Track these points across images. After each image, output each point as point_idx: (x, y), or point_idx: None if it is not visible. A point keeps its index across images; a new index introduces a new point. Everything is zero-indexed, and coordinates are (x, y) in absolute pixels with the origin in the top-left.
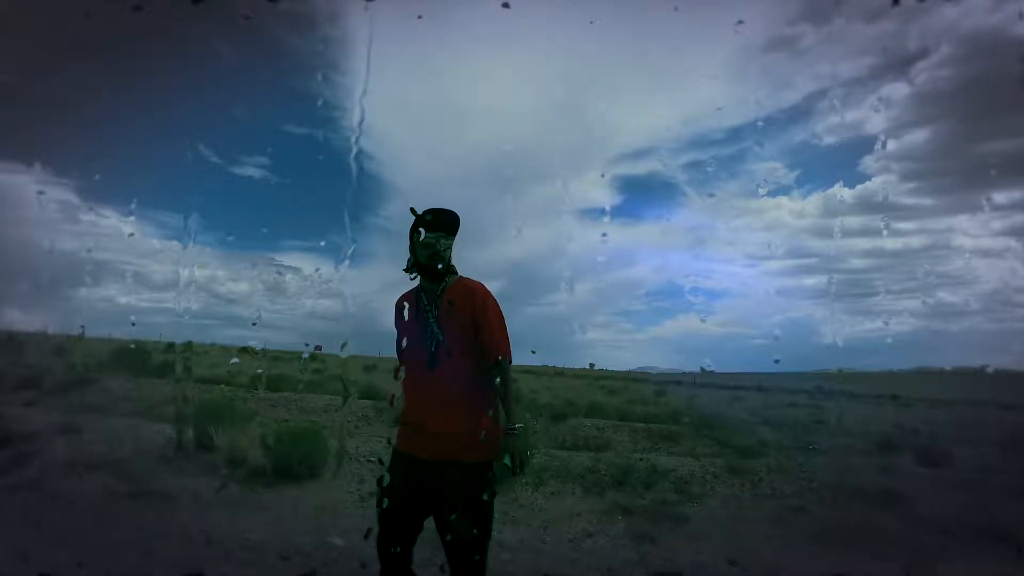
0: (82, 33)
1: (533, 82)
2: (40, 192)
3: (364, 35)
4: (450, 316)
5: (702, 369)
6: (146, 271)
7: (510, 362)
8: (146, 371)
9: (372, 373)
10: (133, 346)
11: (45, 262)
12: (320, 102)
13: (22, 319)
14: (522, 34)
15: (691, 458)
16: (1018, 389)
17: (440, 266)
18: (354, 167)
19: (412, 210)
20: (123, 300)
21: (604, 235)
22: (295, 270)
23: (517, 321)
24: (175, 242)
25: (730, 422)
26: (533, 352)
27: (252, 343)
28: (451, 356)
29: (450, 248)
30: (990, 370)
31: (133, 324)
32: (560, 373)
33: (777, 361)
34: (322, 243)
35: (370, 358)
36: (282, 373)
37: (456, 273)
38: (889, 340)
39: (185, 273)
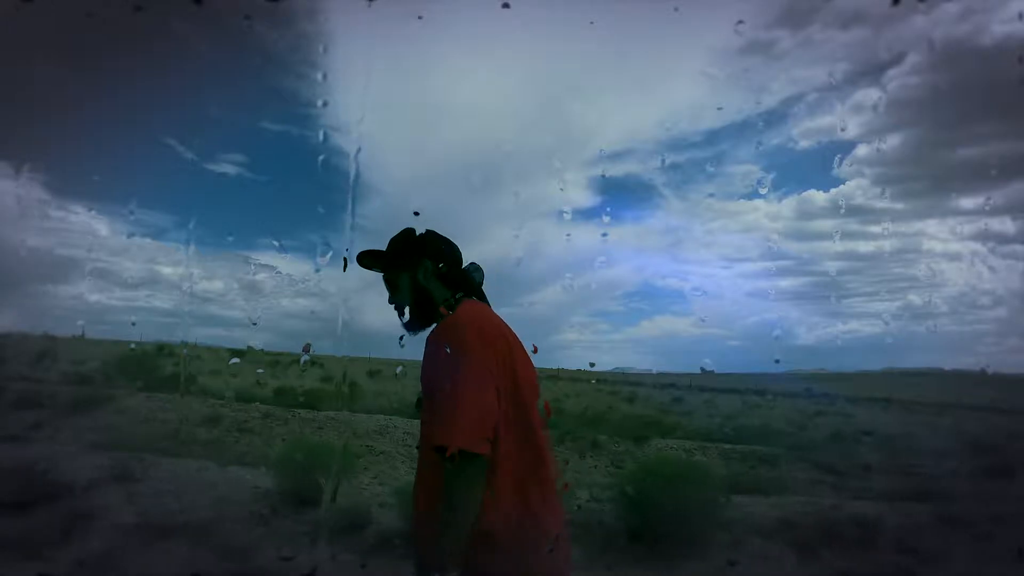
0: (55, 31)
1: (515, 83)
2: None
3: (345, 33)
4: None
5: (702, 369)
6: (117, 269)
7: (456, 457)
8: (157, 382)
9: (378, 379)
10: (134, 346)
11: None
12: (299, 100)
13: None
14: (505, 35)
15: (882, 502)
16: (999, 390)
17: (403, 316)
18: (353, 167)
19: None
20: (93, 298)
21: (604, 235)
22: (270, 268)
23: None
24: (148, 239)
25: (814, 441)
26: (535, 350)
27: (252, 343)
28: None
29: (407, 283)
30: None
31: (134, 324)
32: (556, 376)
33: (777, 361)
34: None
35: (362, 360)
36: (313, 386)
37: (452, 309)
38: (890, 340)
39: (164, 271)
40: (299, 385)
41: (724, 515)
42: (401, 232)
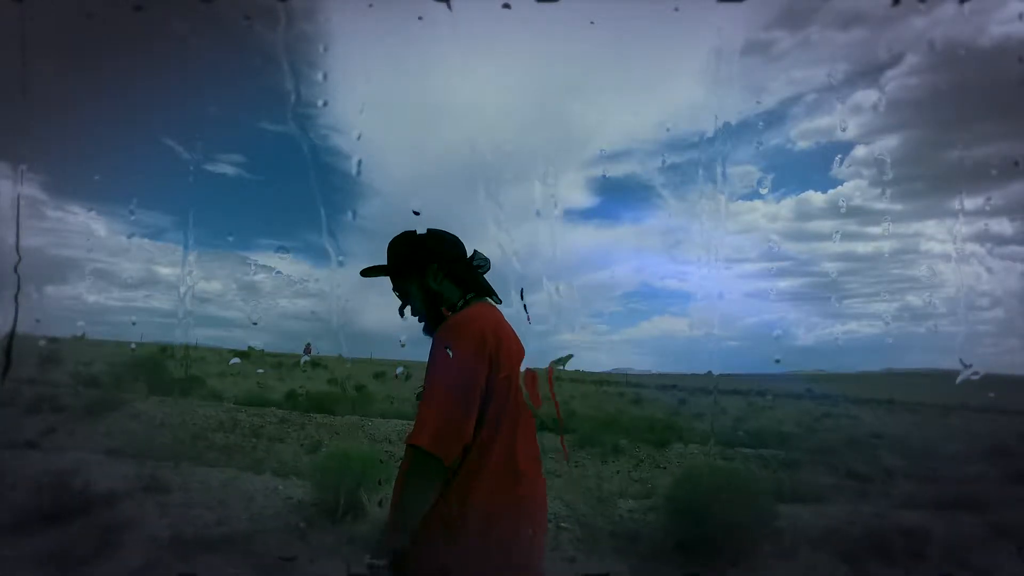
0: (54, 31)
1: (516, 83)
2: None
3: (345, 32)
4: None
5: (709, 371)
6: (116, 269)
7: (423, 453)
8: (166, 385)
9: (383, 380)
10: (134, 346)
11: (12, 259)
12: (296, 99)
13: None
14: (505, 35)
15: (924, 511)
16: (998, 391)
17: (419, 318)
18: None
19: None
20: (91, 299)
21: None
22: (269, 269)
23: None
24: (146, 240)
25: (829, 444)
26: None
27: (252, 344)
28: None
29: (418, 290)
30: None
31: (134, 324)
32: (557, 377)
33: (778, 361)
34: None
35: (360, 360)
36: (321, 389)
37: (462, 306)
38: (890, 341)
39: (162, 272)
40: (309, 388)
41: (772, 525)
42: (402, 237)
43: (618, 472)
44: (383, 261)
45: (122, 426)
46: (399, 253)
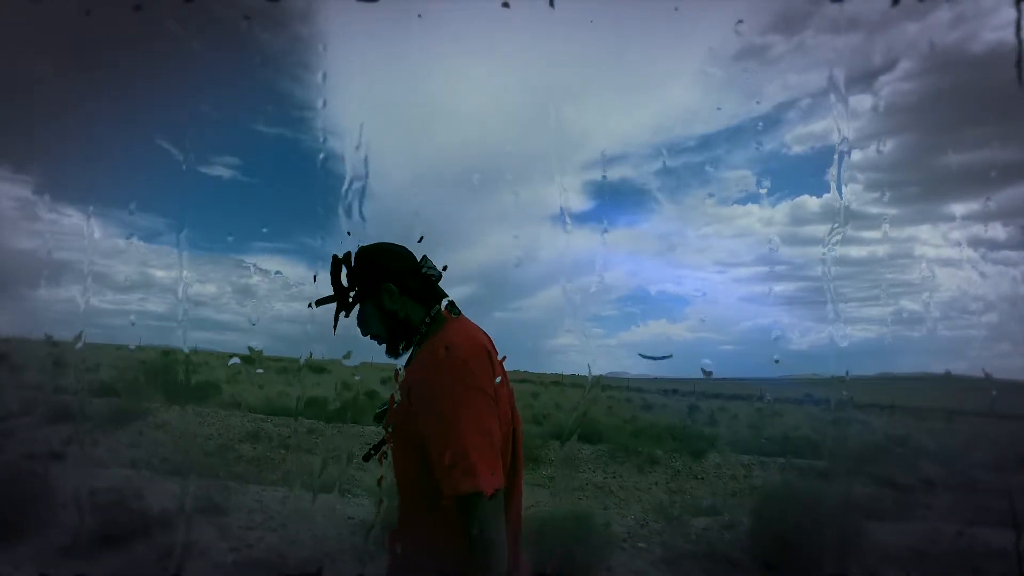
0: (44, 29)
1: (514, 84)
2: None
3: (339, 34)
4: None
5: (703, 371)
6: (110, 271)
7: (478, 497)
8: (181, 391)
9: (391, 386)
10: (133, 348)
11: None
12: (293, 102)
13: None
14: (503, 37)
15: (998, 528)
16: (986, 395)
17: (379, 342)
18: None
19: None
20: (85, 301)
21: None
22: (265, 272)
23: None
24: (141, 242)
25: (855, 452)
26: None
27: (252, 346)
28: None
29: (374, 313)
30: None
31: (133, 324)
32: (558, 382)
33: (777, 361)
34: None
35: (370, 366)
36: (347, 398)
37: (437, 322)
38: (888, 342)
39: (157, 275)
40: (325, 395)
41: (857, 543)
42: (344, 258)
43: (656, 484)
44: None
45: (148, 437)
46: (349, 276)
